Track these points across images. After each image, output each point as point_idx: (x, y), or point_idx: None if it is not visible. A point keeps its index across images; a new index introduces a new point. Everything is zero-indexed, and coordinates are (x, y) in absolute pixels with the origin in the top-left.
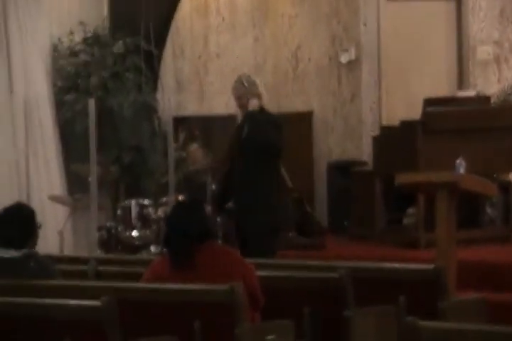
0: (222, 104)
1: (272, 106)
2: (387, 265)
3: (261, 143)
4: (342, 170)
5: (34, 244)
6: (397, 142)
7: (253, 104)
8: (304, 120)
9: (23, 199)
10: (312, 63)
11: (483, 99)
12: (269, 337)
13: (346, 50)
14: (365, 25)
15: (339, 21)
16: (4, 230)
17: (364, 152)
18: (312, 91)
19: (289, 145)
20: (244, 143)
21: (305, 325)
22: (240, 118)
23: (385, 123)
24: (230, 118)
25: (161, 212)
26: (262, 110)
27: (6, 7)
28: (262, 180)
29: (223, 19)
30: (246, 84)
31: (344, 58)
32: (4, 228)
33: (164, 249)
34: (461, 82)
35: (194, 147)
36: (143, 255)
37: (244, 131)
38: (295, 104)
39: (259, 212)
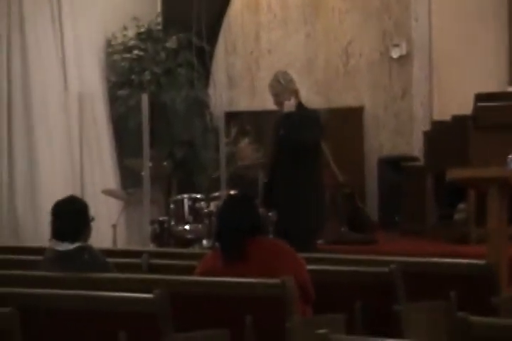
0: None
1: (322, 101)
2: (438, 260)
3: (296, 143)
4: (393, 166)
5: (87, 237)
6: (448, 137)
7: (289, 105)
8: (354, 115)
9: (78, 194)
10: (363, 58)
11: None
12: (321, 331)
13: (397, 45)
14: (416, 20)
15: (390, 16)
16: (58, 223)
17: (415, 147)
18: (363, 86)
19: (339, 141)
20: (281, 144)
21: (356, 319)
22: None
23: (436, 118)
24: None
25: (212, 207)
26: (299, 106)
27: (61, 3)
28: (301, 178)
29: (275, 15)
30: (282, 81)
31: (395, 53)
32: (58, 221)
33: (216, 243)
34: None
35: (244, 143)
36: (195, 249)
37: (281, 133)
38: (346, 100)
39: (299, 211)
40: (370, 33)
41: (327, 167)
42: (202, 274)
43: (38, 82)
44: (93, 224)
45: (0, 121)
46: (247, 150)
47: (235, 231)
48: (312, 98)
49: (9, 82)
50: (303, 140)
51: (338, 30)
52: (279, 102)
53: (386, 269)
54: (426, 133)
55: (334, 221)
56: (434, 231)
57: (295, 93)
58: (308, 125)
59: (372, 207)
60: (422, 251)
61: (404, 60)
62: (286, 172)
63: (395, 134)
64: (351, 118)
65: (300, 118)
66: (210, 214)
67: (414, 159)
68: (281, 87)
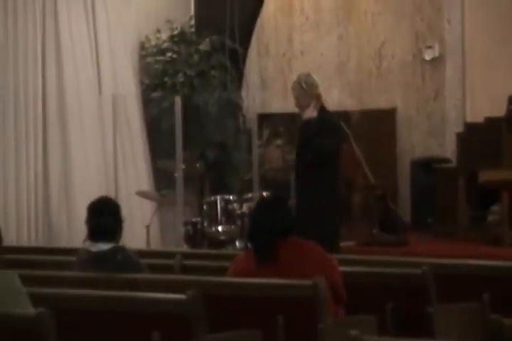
0: None
1: (355, 103)
2: (471, 262)
3: (313, 150)
4: (425, 167)
5: (119, 237)
6: (481, 139)
7: (309, 111)
8: (387, 117)
9: (112, 196)
10: (396, 60)
11: None
12: (352, 332)
13: (430, 47)
14: (448, 21)
15: (423, 18)
16: (92, 223)
17: (447, 149)
18: (395, 88)
19: (372, 143)
20: (299, 150)
21: (388, 321)
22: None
23: (468, 120)
24: None
25: (245, 208)
26: (321, 111)
27: (95, 5)
28: (318, 182)
29: (307, 18)
30: (304, 85)
31: (428, 55)
32: (92, 221)
33: (248, 244)
34: None
35: (272, 146)
36: (228, 250)
37: (299, 140)
38: (378, 102)
39: (318, 215)
40: (402, 34)
41: (359, 168)
42: (234, 275)
43: (72, 84)
44: (127, 226)
45: (35, 123)
46: (274, 153)
47: (267, 232)
48: (345, 100)
49: (44, 84)
50: (320, 148)
51: (370, 32)
52: (300, 105)
53: (418, 271)
54: (459, 135)
55: (366, 222)
56: (467, 233)
57: (316, 97)
58: (326, 133)
59: (404, 208)
60: (454, 253)
61: (437, 61)
62: (303, 177)
63: (428, 136)
64: (384, 120)
65: (319, 126)
66: (242, 215)
67: (446, 161)
68: (303, 90)
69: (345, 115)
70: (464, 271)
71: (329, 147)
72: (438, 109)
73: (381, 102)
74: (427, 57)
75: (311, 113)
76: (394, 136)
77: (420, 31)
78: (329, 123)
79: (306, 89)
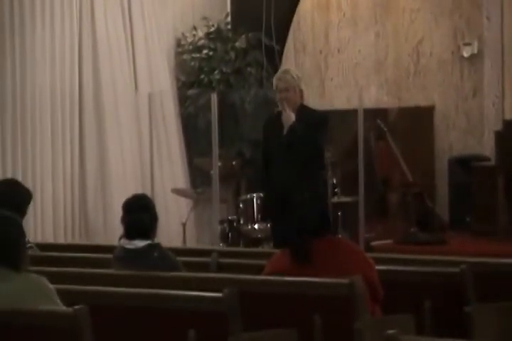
0: (343, 98)
1: (392, 101)
2: (510, 261)
3: (303, 153)
4: (463, 165)
5: (154, 235)
6: None
7: (292, 116)
8: (425, 115)
9: (148, 193)
10: (434, 57)
11: None
12: (390, 332)
13: (469, 44)
14: (487, 18)
15: (461, 15)
16: (127, 220)
17: (486, 147)
18: (433, 85)
19: (409, 140)
20: (288, 148)
21: (425, 320)
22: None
23: (507, 117)
24: (351, 112)
25: None
26: (303, 108)
27: (131, 2)
28: (308, 180)
29: (344, 15)
30: (295, 76)
31: (466, 52)
32: (127, 218)
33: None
34: None
35: None
36: (264, 248)
37: (288, 136)
38: (416, 99)
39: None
40: (441, 31)
41: (396, 166)
42: (270, 274)
43: (108, 81)
44: (163, 223)
45: (71, 121)
46: None
47: (302, 231)
48: (382, 97)
49: (80, 82)
50: (308, 152)
51: (408, 29)
52: (287, 98)
53: (456, 269)
54: (497, 133)
55: (404, 221)
56: (505, 232)
57: (301, 93)
58: (317, 129)
59: (442, 207)
60: (493, 252)
61: (476, 58)
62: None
63: (466, 134)
64: (422, 117)
65: (306, 126)
66: None
67: (485, 159)
68: (294, 81)
69: (383, 112)
70: (503, 270)
71: (318, 145)
72: (476, 106)
73: (419, 100)
74: (466, 55)
75: (293, 116)
76: (432, 134)
77: (459, 28)
78: (316, 121)
79: (298, 81)
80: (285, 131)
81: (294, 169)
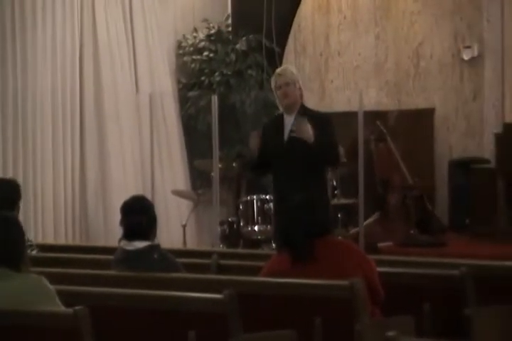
0: (343, 100)
1: (392, 103)
2: (509, 263)
3: (306, 155)
4: (463, 168)
5: (154, 236)
6: None
7: (291, 119)
8: (425, 117)
9: (148, 194)
10: (434, 60)
11: None
12: (390, 334)
13: (469, 47)
14: (488, 21)
15: (462, 18)
16: (126, 222)
17: (486, 150)
18: (434, 88)
19: (409, 143)
20: (295, 148)
21: (425, 322)
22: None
23: (508, 120)
24: (351, 114)
25: None
26: (303, 108)
27: (132, 4)
28: (311, 182)
29: (345, 17)
30: (294, 72)
31: (467, 55)
32: (126, 220)
33: (281, 245)
34: None
35: None
36: (264, 249)
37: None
38: (416, 102)
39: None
40: (441, 34)
41: (396, 168)
42: (268, 275)
43: (109, 83)
44: (163, 225)
45: (73, 122)
46: None
47: (304, 232)
48: (382, 100)
49: (81, 83)
50: (310, 154)
51: (408, 31)
52: (287, 94)
53: (456, 272)
54: (497, 136)
55: (403, 223)
56: (505, 234)
57: (300, 91)
58: (332, 132)
59: (442, 209)
60: (492, 254)
61: (476, 61)
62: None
63: (466, 136)
64: (422, 120)
65: (320, 122)
66: None
67: (485, 161)
68: (294, 76)
69: (383, 115)
70: (502, 272)
71: (323, 146)
72: (476, 109)
73: (419, 102)
74: (466, 57)
75: (292, 118)
76: (432, 137)
77: (459, 31)
78: (320, 122)
79: (297, 75)
80: (285, 134)
81: (297, 171)
